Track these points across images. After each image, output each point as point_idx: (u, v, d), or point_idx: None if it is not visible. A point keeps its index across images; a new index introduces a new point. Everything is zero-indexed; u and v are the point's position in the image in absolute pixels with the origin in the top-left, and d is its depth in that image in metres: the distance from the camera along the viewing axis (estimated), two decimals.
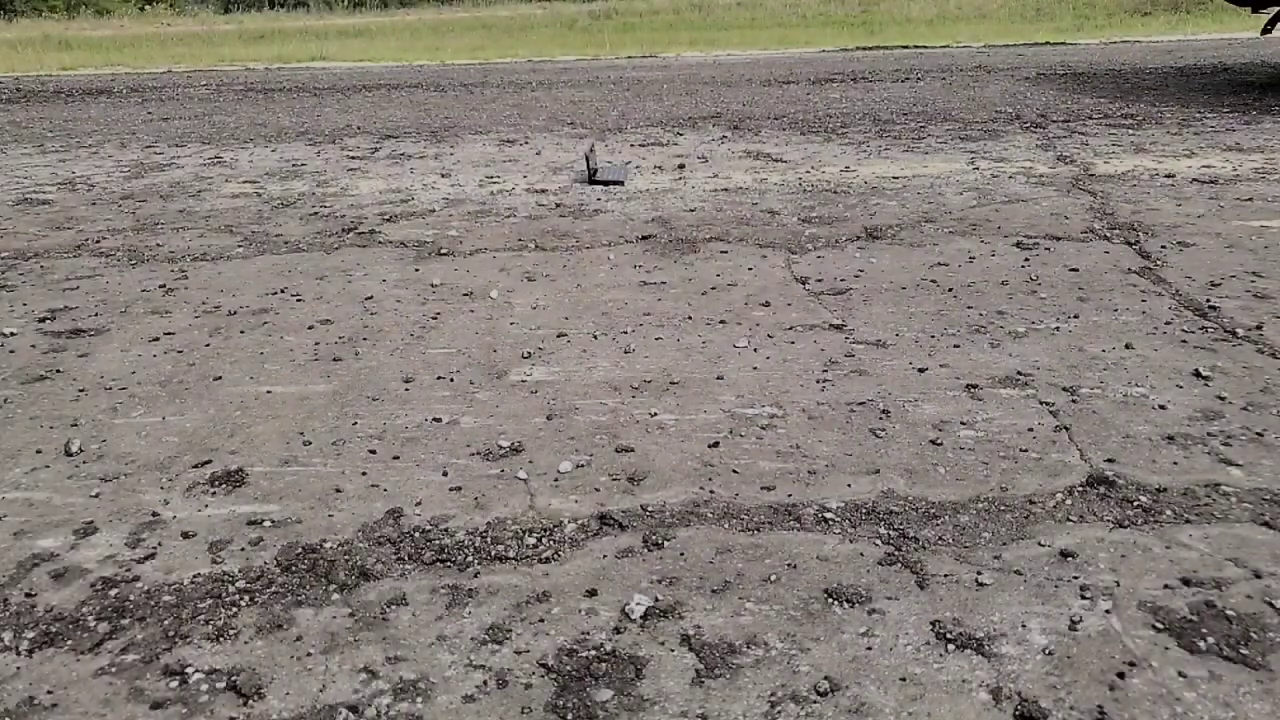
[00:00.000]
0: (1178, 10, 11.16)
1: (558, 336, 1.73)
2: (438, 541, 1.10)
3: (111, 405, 1.50)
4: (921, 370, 1.53)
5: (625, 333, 1.74)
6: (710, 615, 0.96)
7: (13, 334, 1.83)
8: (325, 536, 1.12)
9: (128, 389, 1.56)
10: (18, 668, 0.92)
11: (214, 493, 1.23)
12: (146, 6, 21.29)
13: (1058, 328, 1.68)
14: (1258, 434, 1.28)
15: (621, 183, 2.98)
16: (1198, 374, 1.46)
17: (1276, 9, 4.61)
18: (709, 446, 1.30)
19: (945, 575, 1.01)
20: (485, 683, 0.87)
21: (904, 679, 0.86)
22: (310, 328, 1.82)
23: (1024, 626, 0.92)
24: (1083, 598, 0.96)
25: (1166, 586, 0.97)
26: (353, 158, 3.69)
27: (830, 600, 0.97)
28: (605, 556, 1.06)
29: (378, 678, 0.89)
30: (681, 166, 3.26)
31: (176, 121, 5.00)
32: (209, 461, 1.31)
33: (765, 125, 4.15)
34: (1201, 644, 0.89)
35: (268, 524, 1.15)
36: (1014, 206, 2.54)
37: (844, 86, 5.41)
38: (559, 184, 3.05)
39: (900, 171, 3.06)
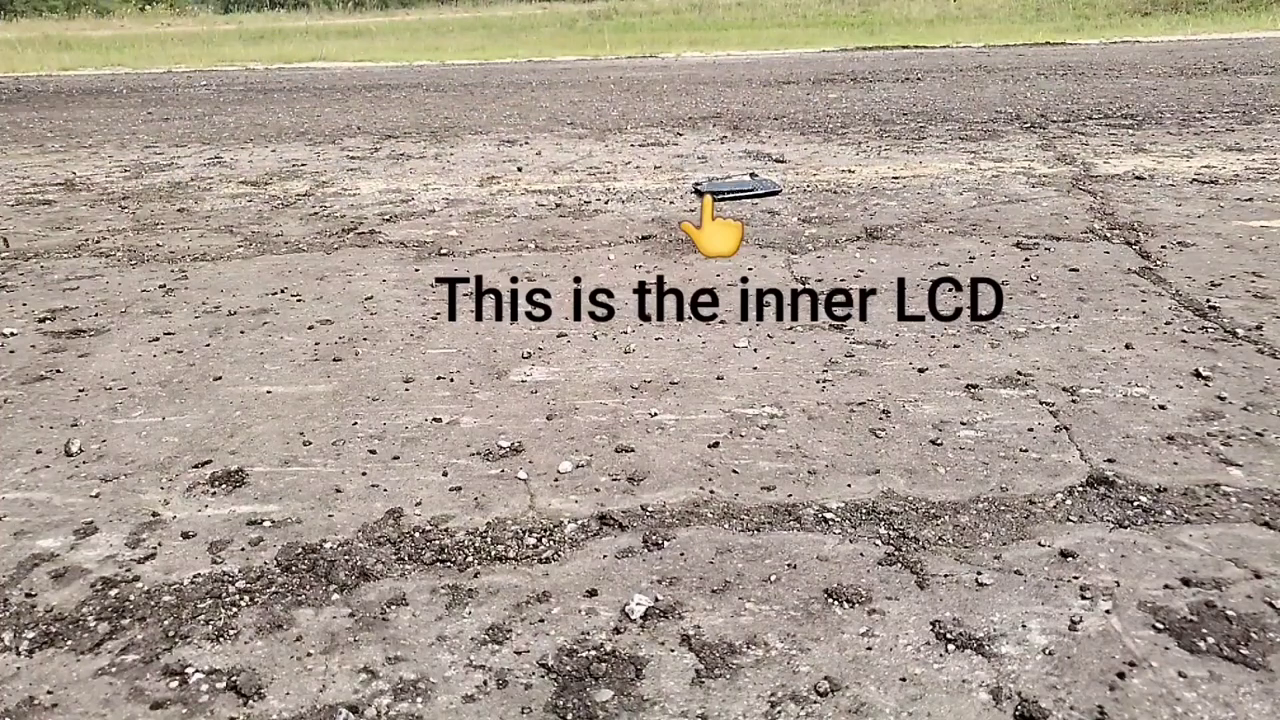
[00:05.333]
0: (1178, 10, 11.16)
1: (558, 336, 1.73)
2: (438, 541, 1.10)
3: (111, 405, 1.50)
4: (921, 370, 1.53)
5: (625, 333, 1.74)
6: (710, 615, 0.96)
7: (13, 334, 1.83)
8: (325, 536, 1.12)
9: (128, 389, 1.56)
10: (18, 668, 0.92)
11: (214, 493, 1.22)
12: (147, 6, 21.27)
13: (1058, 328, 1.68)
14: (1258, 434, 1.28)
15: (778, 191, 2.81)
16: (1198, 374, 1.46)
17: None
18: (709, 447, 1.30)
19: (945, 575, 1.01)
20: (485, 683, 0.87)
21: (904, 679, 0.86)
22: (310, 328, 1.82)
23: (1024, 626, 0.92)
24: (1083, 598, 0.96)
25: (1166, 587, 0.97)
26: (352, 158, 3.69)
27: (830, 600, 0.97)
28: (605, 557, 1.06)
29: (378, 678, 0.89)
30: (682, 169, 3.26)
31: (177, 122, 5.00)
32: (209, 461, 1.31)
33: (765, 125, 4.15)
34: (1201, 644, 0.89)
35: (268, 524, 1.15)
36: (1014, 207, 2.54)
37: (844, 87, 5.41)
38: (561, 183, 3.05)
39: (900, 171, 3.06)
